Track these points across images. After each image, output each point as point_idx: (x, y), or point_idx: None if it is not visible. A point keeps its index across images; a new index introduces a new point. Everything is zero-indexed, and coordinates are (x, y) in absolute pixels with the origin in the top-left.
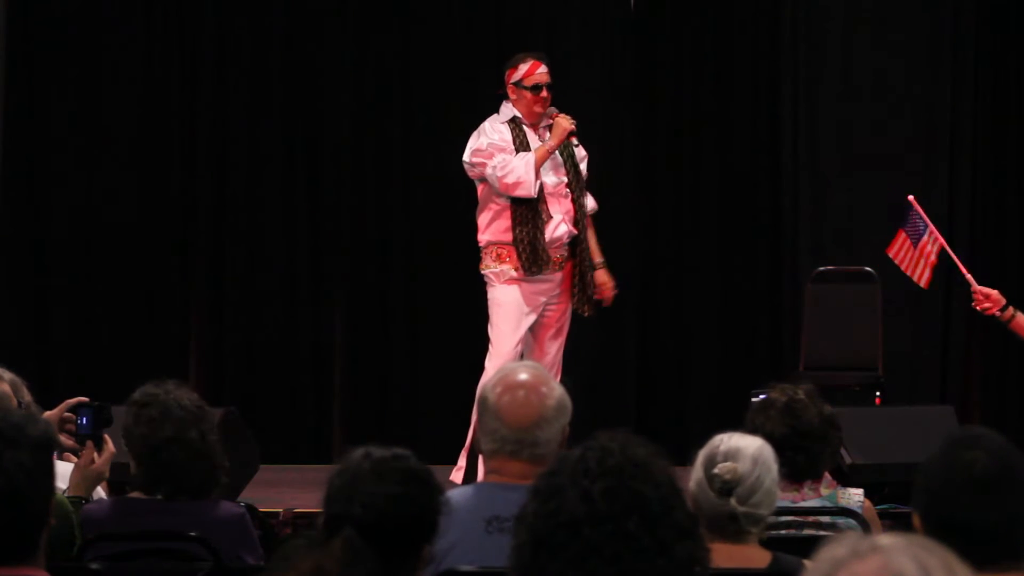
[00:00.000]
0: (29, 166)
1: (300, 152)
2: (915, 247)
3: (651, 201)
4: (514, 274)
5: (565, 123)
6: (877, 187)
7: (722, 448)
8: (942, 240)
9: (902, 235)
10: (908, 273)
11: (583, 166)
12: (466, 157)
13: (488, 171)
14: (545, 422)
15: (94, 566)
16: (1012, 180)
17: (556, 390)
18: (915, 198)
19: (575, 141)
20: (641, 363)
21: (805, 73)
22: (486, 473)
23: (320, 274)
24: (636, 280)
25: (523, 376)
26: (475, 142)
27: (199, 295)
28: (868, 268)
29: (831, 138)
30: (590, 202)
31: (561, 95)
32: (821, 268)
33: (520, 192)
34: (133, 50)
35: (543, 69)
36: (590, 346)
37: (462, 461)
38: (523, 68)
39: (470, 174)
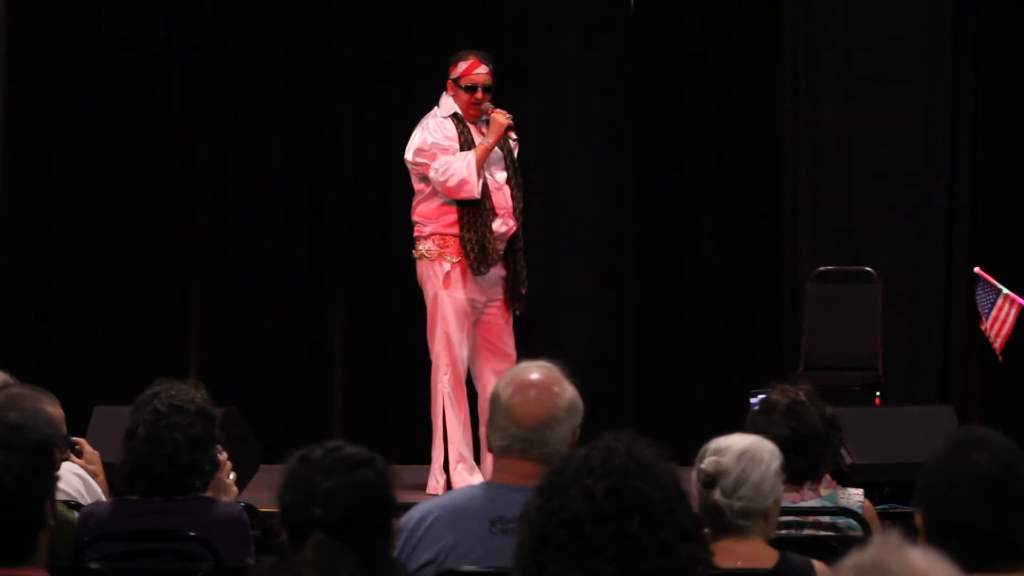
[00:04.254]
0: (29, 166)
1: (300, 152)
2: (987, 319)
3: (651, 201)
4: (454, 271)
5: (502, 119)
6: (877, 187)
7: (712, 445)
8: (1020, 300)
9: (980, 312)
10: (992, 344)
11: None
12: (408, 156)
13: (431, 174)
14: (556, 422)
15: (94, 566)
16: (1012, 180)
17: (568, 391)
18: (981, 268)
19: (513, 136)
20: (641, 363)
21: (805, 73)
22: (494, 472)
23: (320, 274)
24: (636, 280)
25: (535, 376)
26: (418, 140)
27: (199, 295)
28: (868, 268)
29: (831, 138)
30: None
31: (561, 95)
32: (821, 268)
33: (464, 194)
34: (133, 50)
35: (482, 69)
36: (590, 346)
37: (441, 478)
38: (462, 66)
39: (412, 172)
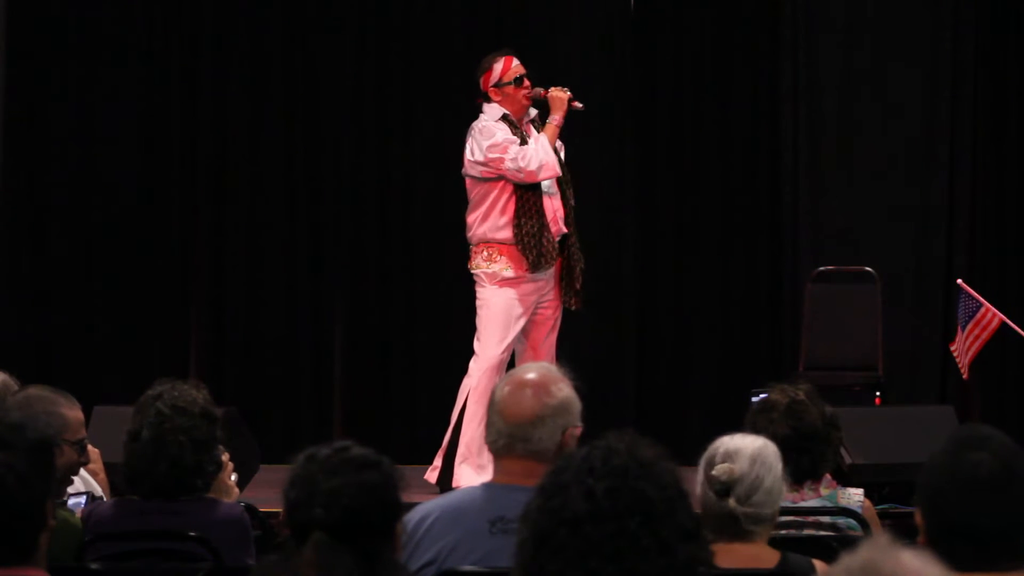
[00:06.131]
0: (30, 165)
1: (300, 151)
2: (963, 331)
3: (651, 201)
4: (509, 274)
5: (561, 93)
6: (877, 187)
7: (721, 450)
8: (1001, 315)
9: (959, 326)
10: (958, 363)
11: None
12: (478, 156)
13: (507, 164)
14: (540, 420)
15: (94, 566)
16: (1012, 180)
17: (562, 391)
18: (963, 281)
19: (578, 104)
20: (641, 363)
21: (805, 73)
22: (494, 473)
23: (320, 274)
24: (636, 280)
25: (531, 375)
26: (485, 139)
27: (199, 294)
28: (868, 268)
29: (831, 138)
30: None
31: None
32: (821, 268)
33: (547, 173)
34: (133, 49)
35: (516, 62)
36: (590, 346)
37: (437, 461)
38: (498, 67)
39: (479, 173)
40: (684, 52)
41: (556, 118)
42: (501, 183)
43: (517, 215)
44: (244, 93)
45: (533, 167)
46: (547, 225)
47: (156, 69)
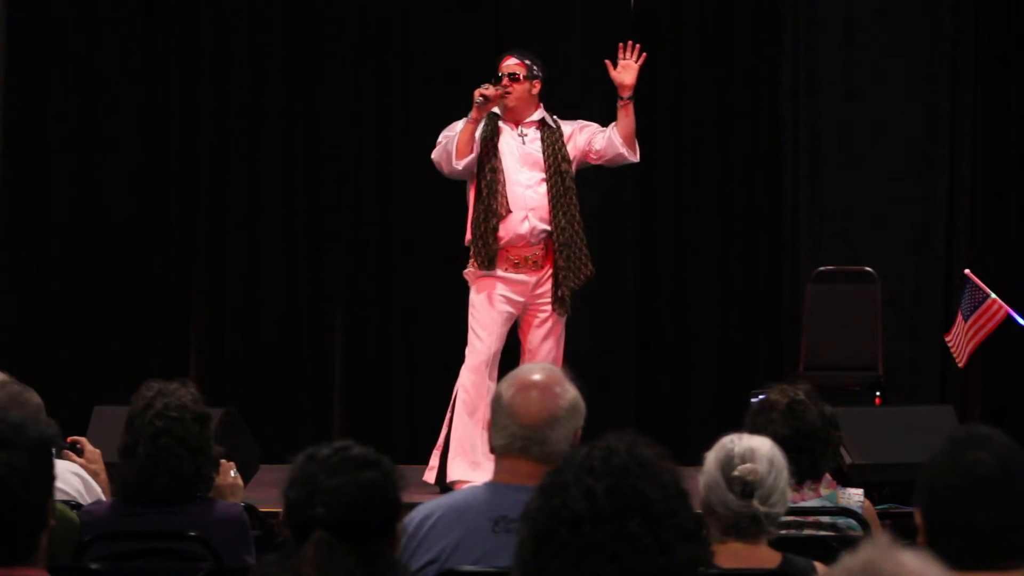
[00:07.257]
0: (30, 166)
1: (300, 152)
2: (966, 321)
3: (651, 201)
4: (481, 272)
5: (477, 91)
6: (877, 187)
7: (736, 450)
8: (1007, 308)
9: (959, 315)
10: (952, 353)
11: (590, 133)
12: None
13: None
14: (556, 421)
15: (94, 566)
16: (1012, 179)
17: (569, 392)
18: (970, 271)
19: (486, 93)
20: (641, 363)
21: (805, 73)
22: (497, 472)
23: (320, 275)
24: (636, 280)
25: (536, 376)
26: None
27: (200, 295)
28: (868, 268)
29: (831, 138)
30: (617, 151)
31: (562, 95)
32: (821, 268)
33: (445, 161)
34: (133, 49)
35: (510, 61)
36: (590, 346)
37: (434, 461)
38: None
39: None
40: (684, 52)
41: (472, 114)
42: (473, 183)
43: (473, 214)
44: (244, 94)
45: (436, 156)
46: (492, 224)
47: (156, 69)
